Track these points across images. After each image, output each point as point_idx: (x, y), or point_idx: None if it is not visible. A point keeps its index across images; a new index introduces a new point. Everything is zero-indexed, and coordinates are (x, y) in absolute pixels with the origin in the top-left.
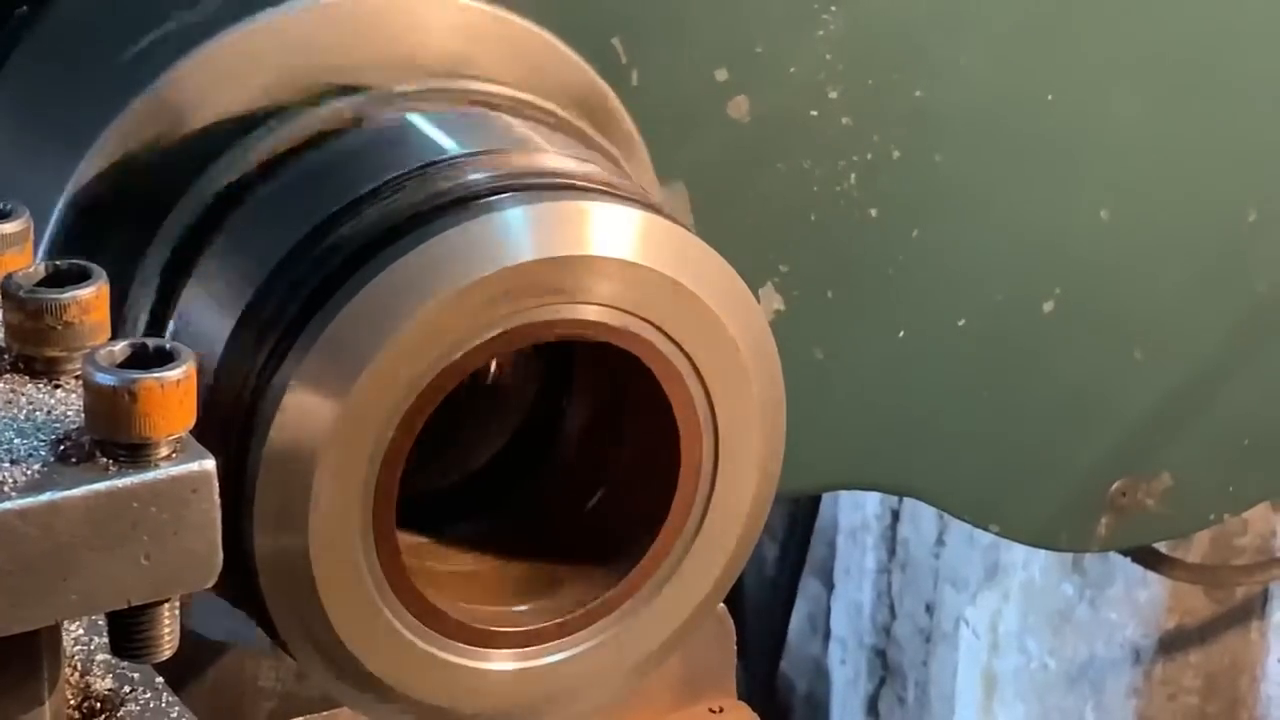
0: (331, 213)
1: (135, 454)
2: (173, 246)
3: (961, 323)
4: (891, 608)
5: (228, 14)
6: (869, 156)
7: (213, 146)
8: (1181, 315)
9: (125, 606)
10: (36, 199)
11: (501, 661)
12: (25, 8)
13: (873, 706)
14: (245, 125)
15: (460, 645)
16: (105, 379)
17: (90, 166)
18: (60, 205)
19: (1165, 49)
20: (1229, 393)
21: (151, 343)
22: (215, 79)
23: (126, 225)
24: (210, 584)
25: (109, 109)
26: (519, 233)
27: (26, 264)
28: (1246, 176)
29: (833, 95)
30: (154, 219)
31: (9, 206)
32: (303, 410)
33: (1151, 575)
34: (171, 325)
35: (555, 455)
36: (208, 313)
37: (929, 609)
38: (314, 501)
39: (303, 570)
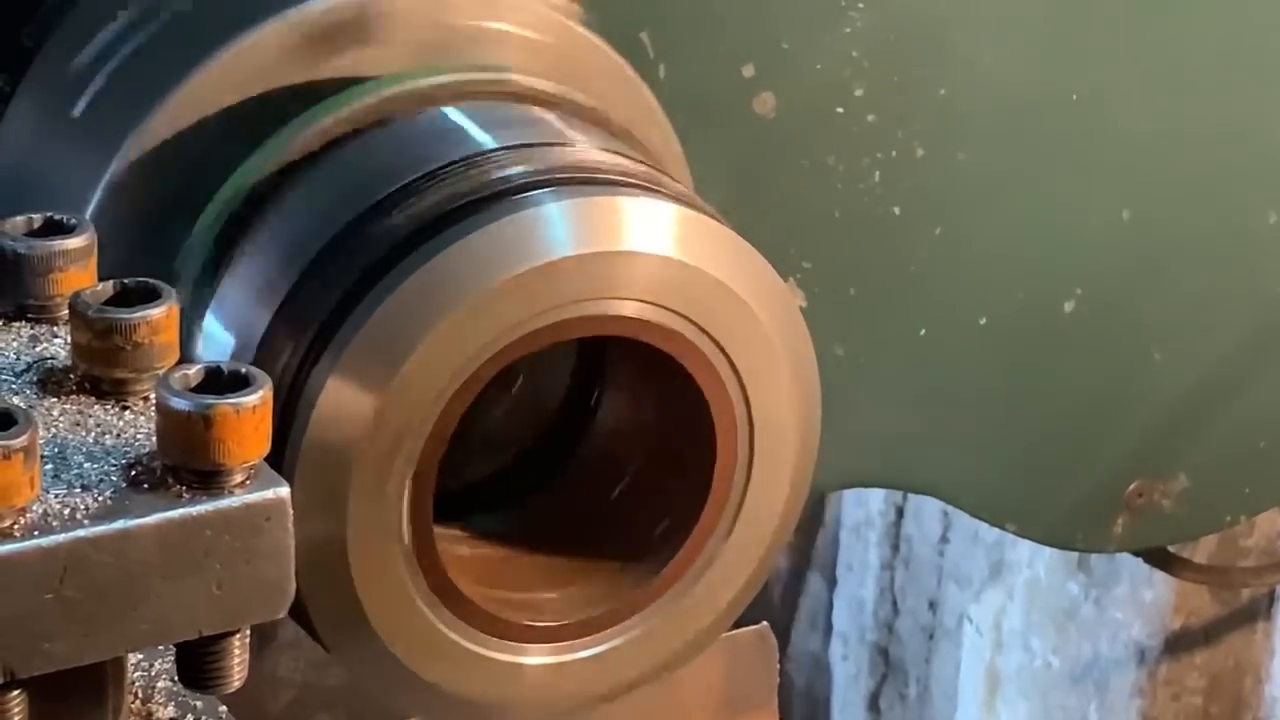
0: (368, 207)
1: (208, 481)
2: (212, 238)
3: (983, 321)
4: (894, 604)
5: (258, 8)
6: (893, 154)
7: (250, 138)
8: (1201, 317)
9: (196, 637)
10: (72, 191)
11: (536, 655)
12: None
13: (874, 703)
14: (283, 117)
15: (495, 640)
16: (180, 404)
17: (126, 158)
18: (96, 197)
19: (1189, 50)
20: (1247, 395)
21: (226, 366)
22: (251, 71)
23: (164, 217)
24: (283, 613)
25: (145, 101)
26: (556, 228)
27: (90, 281)
28: (1268, 179)
29: (858, 92)
30: (192, 210)
31: (72, 220)
32: (341, 404)
33: (1157, 575)
34: (209, 316)
35: (587, 447)
36: (245, 304)
37: (932, 606)
38: (351, 495)
39: (340, 563)
